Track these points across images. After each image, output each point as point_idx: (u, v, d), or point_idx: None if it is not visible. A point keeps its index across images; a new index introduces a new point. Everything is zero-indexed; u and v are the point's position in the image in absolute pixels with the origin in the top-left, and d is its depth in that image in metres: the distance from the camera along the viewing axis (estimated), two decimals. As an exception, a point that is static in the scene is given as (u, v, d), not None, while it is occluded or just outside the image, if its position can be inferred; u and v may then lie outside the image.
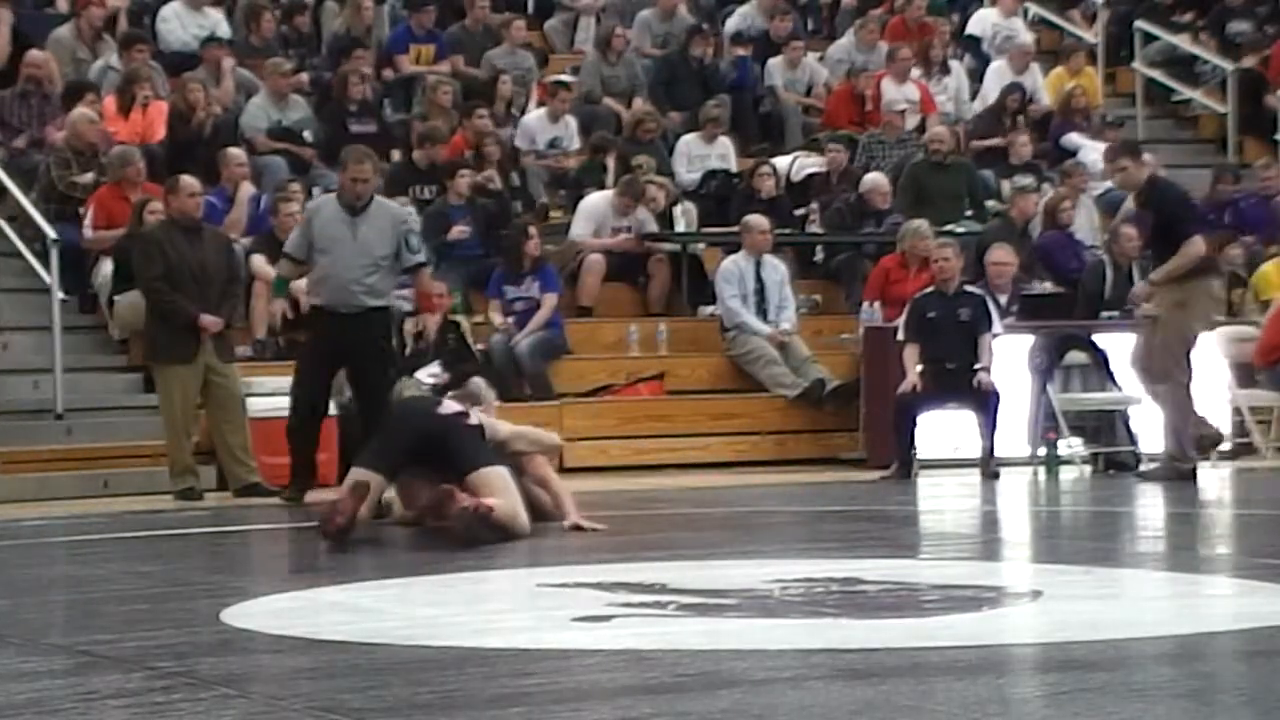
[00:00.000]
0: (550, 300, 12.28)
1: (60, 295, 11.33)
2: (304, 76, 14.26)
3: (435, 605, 6.27)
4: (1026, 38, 16.68)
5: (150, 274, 10.43)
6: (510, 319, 12.19)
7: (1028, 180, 14.21)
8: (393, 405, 8.30)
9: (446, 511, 7.57)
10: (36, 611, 6.25)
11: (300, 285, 9.97)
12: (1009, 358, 11.47)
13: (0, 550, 8.47)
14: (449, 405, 8.12)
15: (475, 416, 8.14)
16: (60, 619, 6.13)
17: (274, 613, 5.90)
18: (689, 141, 14.53)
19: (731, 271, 12.62)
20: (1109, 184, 14.43)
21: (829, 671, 4.69)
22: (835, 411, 12.25)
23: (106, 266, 11.53)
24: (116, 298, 11.35)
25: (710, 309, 12.93)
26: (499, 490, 7.83)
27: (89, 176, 12.17)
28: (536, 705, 4.32)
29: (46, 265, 11.49)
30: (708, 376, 12.66)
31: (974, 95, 16.04)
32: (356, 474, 7.99)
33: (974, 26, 16.96)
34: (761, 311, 12.56)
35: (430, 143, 13.25)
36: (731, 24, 16.31)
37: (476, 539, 7.48)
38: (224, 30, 14.35)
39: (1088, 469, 11.42)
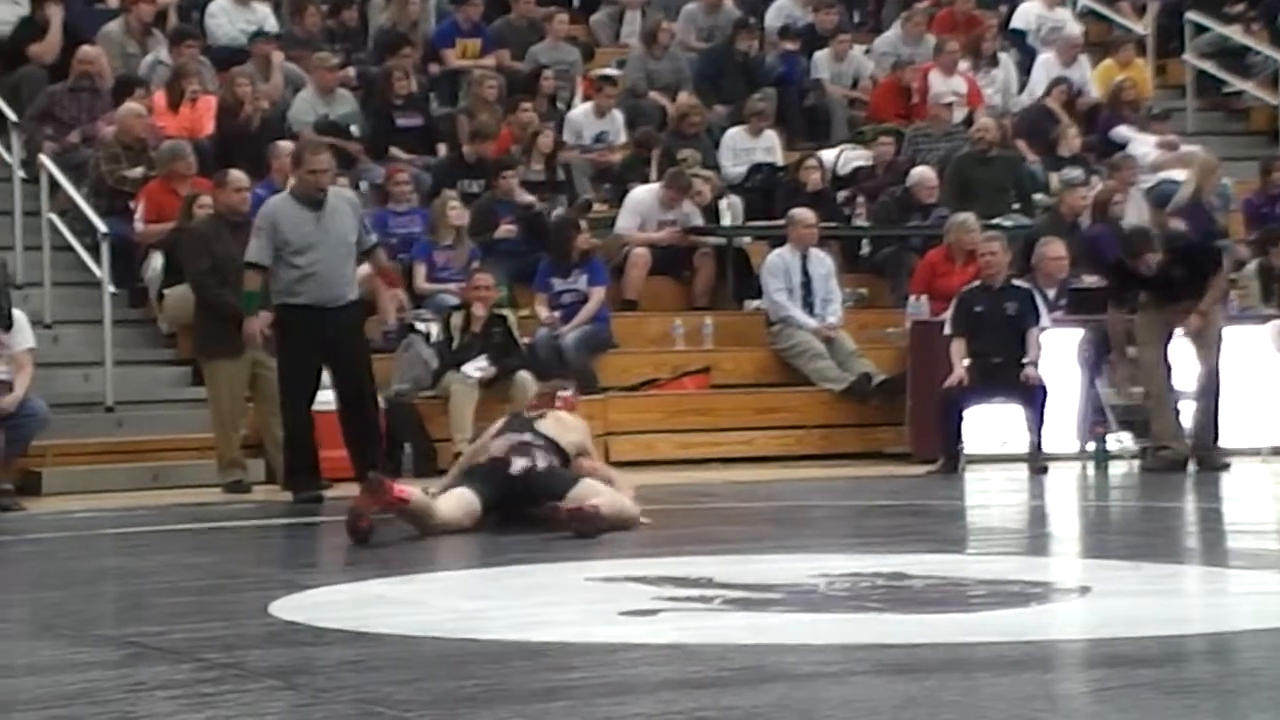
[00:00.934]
0: (597, 294, 12.29)
1: (110, 289, 11.41)
2: (350, 71, 14.30)
3: (481, 598, 6.29)
4: (1074, 29, 16.58)
5: (198, 269, 10.49)
6: (556, 313, 12.20)
7: (1076, 173, 14.13)
8: (471, 472, 8.17)
9: (556, 520, 7.67)
10: (87, 603, 6.30)
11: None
12: (1056, 352, 11.42)
13: (51, 542, 8.54)
14: (518, 465, 8.13)
15: (542, 461, 8.12)
16: (110, 610, 6.18)
17: (321, 605, 5.93)
18: (734, 135, 14.51)
19: (777, 265, 12.60)
20: (1159, 177, 14.34)
21: (874, 666, 4.68)
22: (881, 406, 12.22)
23: (156, 260, 11.60)
24: (166, 291, 11.42)
25: (756, 303, 12.92)
26: (598, 492, 7.95)
27: (138, 171, 12.24)
28: (581, 699, 4.33)
29: (97, 259, 11.57)
30: (753, 370, 12.64)
31: (1021, 88, 15.96)
32: (460, 492, 7.96)
33: (1018, 20, 16.87)
34: (807, 305, 12.54)
35: (481, 138, 13.26)
36: (777, 17, 16.27)
37: (589, 535, 7.58)
38: (271, 25, 14.41)
39: (1136, 464, 11.36)
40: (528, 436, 8.18)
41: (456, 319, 11.48)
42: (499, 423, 8.57)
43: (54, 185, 11.97)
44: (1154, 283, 11.08)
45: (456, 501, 7.94)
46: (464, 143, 13.46)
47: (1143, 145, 14.79)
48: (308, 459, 9.67)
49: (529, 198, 13.00)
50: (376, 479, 7.78)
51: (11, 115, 12.43)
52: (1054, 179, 14.38)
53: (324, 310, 9.48)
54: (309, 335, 9.51)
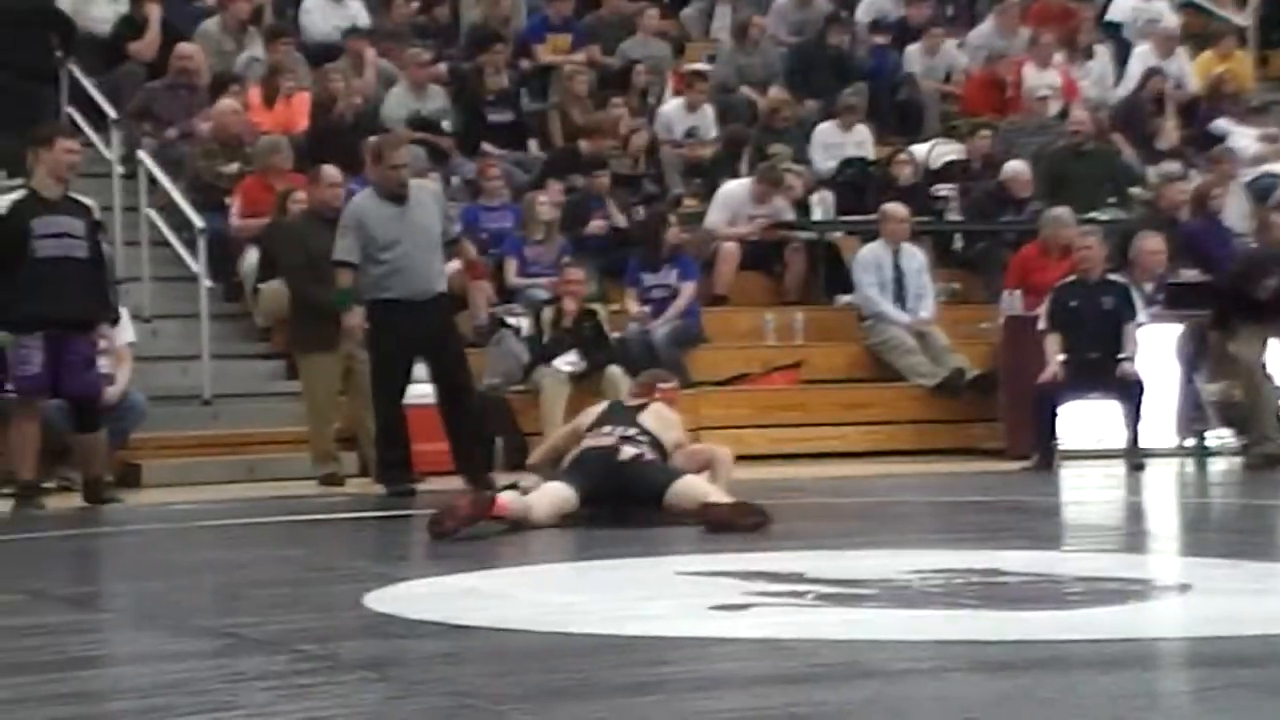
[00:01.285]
0: (688, 289, 12.28)
1: (207, 283, 11.53)
2: (442, 66, 14.38)
3: (572, 592, 6.30)
4: (1171, 21, 16.39)
5: (293, 263, 10.58)
6: (646, 307, 12.21)
7: (1174, 167, 13.97)
8: (578, 456, 8.10)
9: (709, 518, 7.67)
10: (185, 594, 6.36)
11: None
12: (1154, 347, 11.30)
13: (150, 534, 8.64)
14: (626, 451, 8.13)
15: (649, 453, 8.12)
16: (208, 601, 6.23)
17: (414, 598, 5.96)
18: (825, 130, 14.46)
19: (869, 260, 12.54)
20: (1260, 170, 14.14)
21: (968, 663, 4.64)
22: (974, 401, 12.14)
23: (252, 255, 11.71)
24: (260, 286, 11.52)
25: (847, 298, 12.86)
26: (704, 488, 7.94)
27: (234, 167, 12.36)
28: (673, 693, 4.32)
29: (194, 254, 11.69)
30: (844, 365, 12.59)
31: (1117, 81, 15.80)
32: (556, 486, 7.95)
33: (1114, 12, 16.70)
34: (899, 300, 12.47)
35: (589, 135, 13.29)
36: (868, 11, 16.20)
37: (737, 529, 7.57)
38: (364, 20, 14.52)
39: (1237, 460, 11.21)
40: (633, 431, 8.17)
41: (547, 314, 11.50)
42: (596, 410, 8.52)
43: (152, 181, 12.11)
44: (1269, 306, 10.88)
45: (550, 499, 7.93)
46: (556, 139, 13.49)
47: (1243, 138, 14.60)
48: (400, 453, 9.71)
49: (621, 190, 13.04)
50: (489, 497, 7.74)
51: (111, 112, 12.58)
52: (1151, 173, 14.23)
53: (413, 304, 9.51)
54: (399, 329, 9.54)
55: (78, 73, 12.91)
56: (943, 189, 13.89)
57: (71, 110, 12.81)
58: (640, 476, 7.98)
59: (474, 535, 7.58)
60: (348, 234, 9.64)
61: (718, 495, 7.95)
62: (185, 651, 5.01)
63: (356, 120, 13.10)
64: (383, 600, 5.82)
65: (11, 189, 9.47)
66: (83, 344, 9.22)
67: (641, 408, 8.38)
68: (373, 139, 12.54)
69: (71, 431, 9.41)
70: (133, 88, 13.24)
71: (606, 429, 8.20)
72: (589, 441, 8.17)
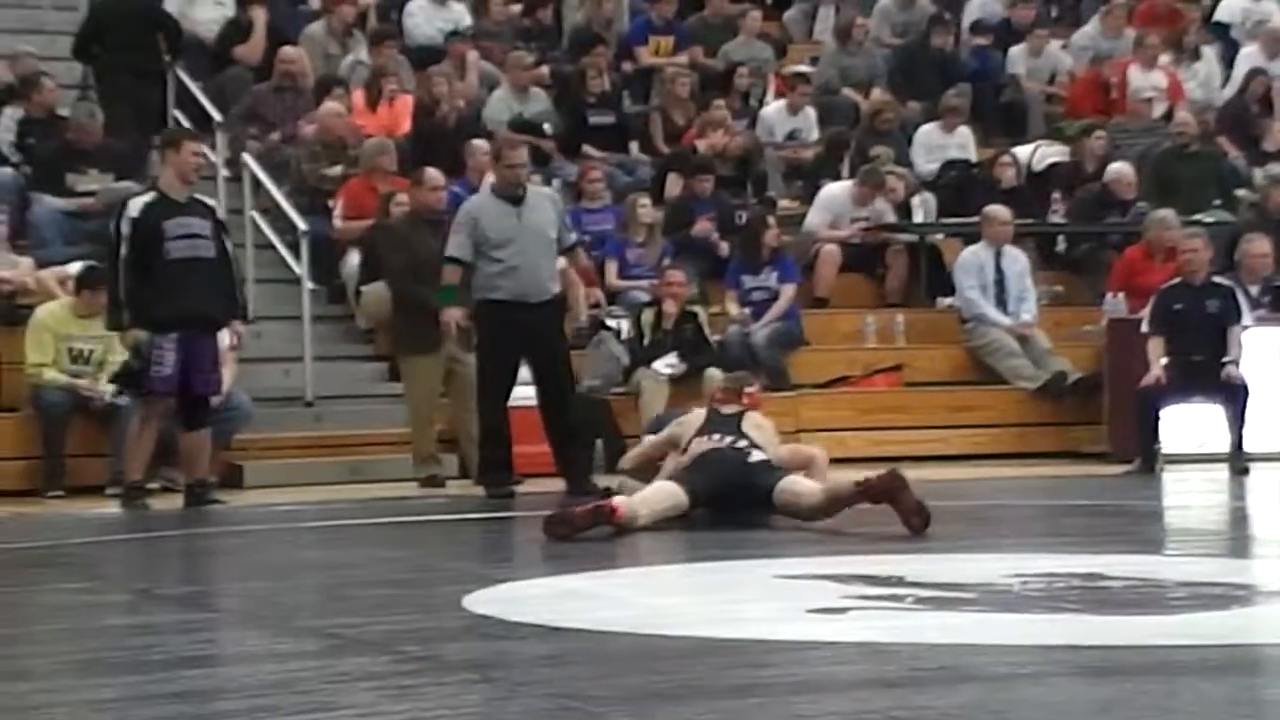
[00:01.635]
0: (788, 291, 12.26)
1: (310, 286, 11.64)
2: (545, 69, 14.43)
3: (672, 594, 6.31)
4: (1279, 19, 16.17)
5: (395, 266, 10.65)
6: (747, 309, 12.20)
7: (1280, 169, 13.79)
8: (704, 455, 8.08)
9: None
10: (288, 594, 6.43)
11: None
12: (1260, 350, 11.15)
13: (254, 534, 8.74)
14: (756, 455, 8.16)
15: (759, 454, 8.16)
16: (311, 602, 6.29)
17: (514, 599, 5.99)
18: (928, 131, 14.39)
19: (971, 262, 12.47)
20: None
21: (1071, 668, 4.61)
22: (1077, 404, 12.04)
23: (354, 258, 11.81)
24: (363, 288, 11.61)
25: (949, 300, 12.79)
26: (810, 484, 8.01)
27: (337, 169, 12.48)
28: (774, 696, 4.32)
29: (297, 256, 11.81)
30: (946, 368, 12.53)
31: (1225, 82, 15.60)
32: (668, 488, 7.95)
33: (1223, 12, 16.49)
34: (1001, 303, 12.39)
35: (708, 131, 13.31)
36: (972, 12, 16.10)
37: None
38: (467, 23, 14.60)
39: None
40: (743, 444, 8.17)
41: (648, 315, 11.52)
42: (694, 419, 8.49)
43: (256, 184, 12.25)
44: None
45: (661, 501, 7.92)
46: (658, 141, 13.51)
47: (1352, 138, 14.37)
48: (502, 454, 9.74)
49: (722, 192, 13.04)
50: (609, 505, 7.75)
51: (217, 115, 12.74)
52: (1258, 174, 14.04)
53: (525, 304, 9.53)
54: (508, 330, 9.56)
55: (184, 76, 13.09)
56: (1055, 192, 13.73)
57: (178, 113, 13.00)
58: (763, 478, 8.02)
59: (578, 537, 7.61)
60: (461, 231, 9.66)
61: (824, 487, 7.97)
62: (289, 652, 5.07)
63: (459, 123, 13.18)
64: (484, 602, 5.85)
65: (140, 192, 9.62)
66: (210, 344, 9.38)
67: (739, 416, 8.36)
68: (478, 141, 12.70)
69: (180, 430, 9.52)
70: (238, 91, 13.39)
71: (716, 436, 8.20)
72: (707, 445, 8.15)
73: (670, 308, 11.45)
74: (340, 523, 8.84)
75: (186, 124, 12.66)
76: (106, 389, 10.23)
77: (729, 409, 8.40)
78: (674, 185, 12.74)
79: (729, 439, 8.15)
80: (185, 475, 9.61)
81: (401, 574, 6.96)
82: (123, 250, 9.15)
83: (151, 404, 9.33)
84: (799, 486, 8.00)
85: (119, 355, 10.41)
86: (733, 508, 7.93)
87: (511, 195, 9.64)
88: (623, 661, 4.80)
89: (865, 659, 4.82)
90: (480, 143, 12.74)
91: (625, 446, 11.01)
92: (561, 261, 10.09)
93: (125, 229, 9.17)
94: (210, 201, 9.75)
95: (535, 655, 4.98)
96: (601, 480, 9.54)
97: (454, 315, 9.79)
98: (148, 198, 9.33)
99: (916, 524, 7.57)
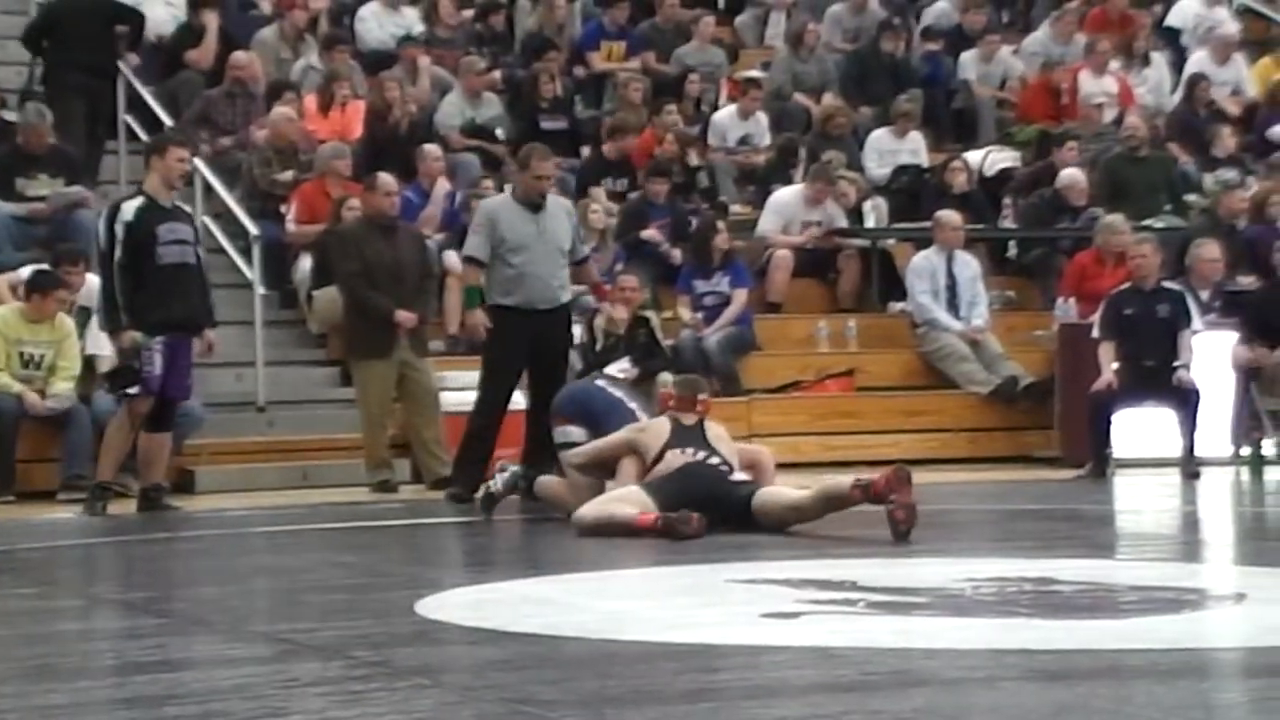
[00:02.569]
0: (740, 295, 12.28)
1: (261, 290, 11.59)
2: (497, 74, 14.42)
3: (625, 599, 6.30)
4: (1230, 28, 16.28)
5: (347, 270, 10.63)
6: (699, 314, 12.21)
7: (1231, 174, 13.88)
8: (684, 470, 8.06)
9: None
10: (240, 599, 6.40)
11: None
12: (1210, 355, 11.22)
13: (206, 539, 8.70)
14: (739, 476, 8.17)
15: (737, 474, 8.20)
16: (263, 607, 6.27)
17: (467, 604, 5.98)
18: (879, 136, 14.44)
19: (923, 267, 12.51)
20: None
21: (1023, 672, 4.63)
22: (1029, 409, 12.10)
23: (305, 262, 11.78)
24: (315, 293, 11.58)
25: (901, 305, 12.84)
26: (788, 492, 8.04)
27: (289, 174, 12.44)
28: (726, 700, 4.32)
29: (249, 261, 11.76)
30: (898, 373, 12.57)
31: (1174, 88, 15.71)
32: (631, 493, 7.97)
33: (1174, 18, 16.60)
34: (953, 308, 12.44)
35: (620, 134, 13.31)
36: (925, 18, 16.16)
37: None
38: (419, 29, 14.57)
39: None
40: (716, 460, 8.15)
41: (600, 320, 11.51)
42: (660, 428, 8.34)
43: (208, 188, 12.20)
44: None
45: (630, 506, 7.95)
46: (605, 140, 13.51)
47: (1302, 145, 14.49)
48: (482, 456, 9.57)
49: (677, 198, 13.04)
50: (689, 518, 7.76)
51: (168, 120, 12.67)
52: (1208, 180, 14.14)
53: (535, 311, 9.46)
54: (516, 336, 9.45)
55: (134, 79, 13.01)
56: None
57: (129, 118, 12.92)
58: (742, 491, 8.05)
59: (528, 543, 7.60)
60: (481, 231, 9.59)
61: (817, 491, 8.01)
62: (241, 657, 5.05)
63: (411, 129, 13.15)
64: (436, 607, 5.84)
65: (129, 196, 9.62)
66: (190, 347, 9.38)
67: (700, 426, 8.35)
68: (430, 146, 12.67)
69: (142, 431, 9.49)
70: (190, 95, 13.33)
71: (690, 450, 8.19)
72: (683, 459, 8.12)
73: (621, 313, 11.44)
74: (292, 528, 8.81)
75: (138, 128, 12.60)
76: (61, 388, 10.25)
77: (689, 419, 8.36)
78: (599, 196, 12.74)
79: (702, 454, 8.16)
80: (141, 478, 9.56)
81: (354, 579, 6.94)
82: (117, 253, 9.16)
83: (137, 406, 9.31)
84: (782, 496, 8.01)
85: (71, 361, 10.38)
86: (710, 521, 7.92)
87: (531, 203, 9.59)
88: (576, 666, 4.80)
89: (818, 663, 4.83)
90: (432, 148, 12.73)
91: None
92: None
93: (119, 232, 9.18)
94: (188, 208, 9.78)
95: (488, 660, 4.97)
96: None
97: (476, 319, 9.65)
98: (139, 201, 9.33)
99: (904, 520, 7.55)
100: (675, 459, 8.12)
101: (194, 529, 9.00)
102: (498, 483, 8.95)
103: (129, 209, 9.25)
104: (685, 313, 12.23)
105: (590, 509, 8.01)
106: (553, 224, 9.59)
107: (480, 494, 9.00)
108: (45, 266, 10.60)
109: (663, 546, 7.52)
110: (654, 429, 8.39)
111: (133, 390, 9.26)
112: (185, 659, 5.21)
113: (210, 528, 9.03)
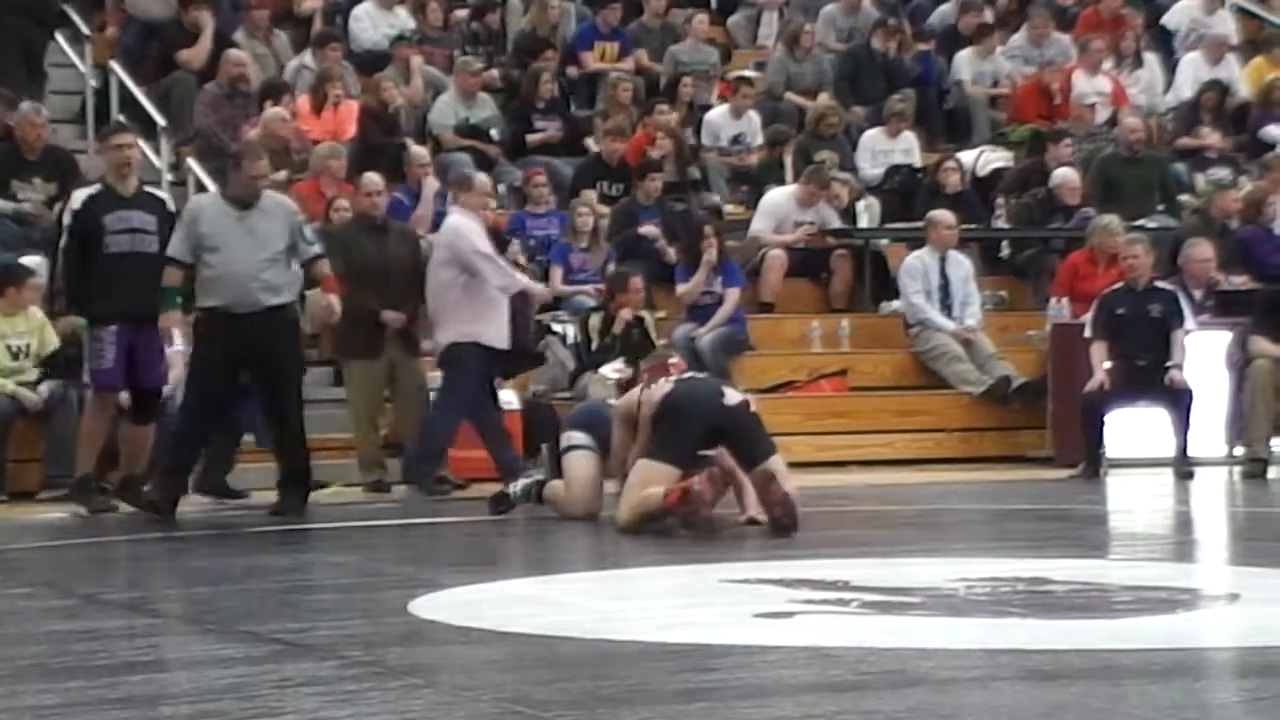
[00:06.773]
0: (733, 295, 12.27)
1: (254, 290, 11.53)
2: (495, 73, 14.40)
3: (619, 599, 6.30)
4: (1224, 28, 16.29)
5: (336, 270, 10.59)
6: (684, 315, 12.19)
7: (1224, 174, 13.89)
8: (676, 394, 8.07)
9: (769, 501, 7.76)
10: (233, 599, 6.40)
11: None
12: (1203, 355, 11.23)
13: (197, 540, 8.69)
14: (732, 395, 8.17)
15: (753, 403, 8.23)
16: (256, 607, 6.26)
17: (460, 604, 5.97)
18: (872, 136, 14.44)
19: (915, 267, 12.51)
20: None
21: (1017, 672, 4.63)
22: (1022, 409, 12.10)
23: (297, 263, 11.73)
24: (306, 293, 11.54)
25: (893, 305, 12.84)
26: (787, 476, 8.02)
27: (282, 174, 12.41)
28: (720, 700, 4.32)
29: (241, 261, 11.71)
30: (891, 373, 12.57)
31: (1167, 88, 15.72)
32: (647, 467, 7.96)
33: (1169, 19, 16.61)
34: (946, 308, 12.44)
35: (614, 137, 13.30)
36: (920, 18, 16.16)
37: (786, 527, 7.70)
38: (412, 28, 14.55)
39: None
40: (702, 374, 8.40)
41: (595, 321, 11.50)
42: (629, 395, 8.48)
43: (201, 188, 12.17)
44: None
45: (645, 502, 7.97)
46: (598, 143, 13.50)
47: (1294, 144, 14.50)
48: (185, 465, 9.35)
49: (669, 198, 13.03)
50: (703, 496, 7.80)
51: (160, 120, 12.65)
52: (1200, 180, 14.15)
53: (232, 314, 9.04)
54: (219, 339, 9.07)
55: (126, 79, 12.99)
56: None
57: (121, 118, 12.90)
58: (747, 430, 8.13)
59: (521, 543, 7.60)
60: (181, 231, 9.18)
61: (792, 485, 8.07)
62: (234, 657, 5.04)
63: (405, 128, 13.13)
64: (429, 607, 5.84)
65: (90, 184, 9.66)
66: (155, 337, 9.31)
67: None
68: (417, 148, 12.64)
69: (127, 424, 9.46)
70: (183, 95, 13.30)
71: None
72: (669, 386, 8.17)
73: (626, 315, 11.35)
74: (285, 528, 8.80)
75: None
76: (51, 380, 10.28)
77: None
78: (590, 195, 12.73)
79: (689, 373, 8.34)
80: (124, 467, 9.52)
81: (347, 579, 6.94)
82: (63, 240, 9.26)
83: (97, 398, 9.28)
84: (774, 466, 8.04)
85: (52, 344, 10.42)
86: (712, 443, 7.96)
87: (242, 201, 9.23)
88: (569, 666, 4.79)
89: (812, 663, 4.83)
90: (420, 149, 12.70)
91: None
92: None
93: (67, 220, 9.28)
94: (161, 194, 9.76)
95: (481, 660, 4.97)
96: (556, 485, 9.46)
97: (172, 321, 9.16)
98: (92, 190, 9.41)
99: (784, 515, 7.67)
100: (663, 385, 8.17)
101: (188, 529, 8.98)
102: (517, 489, 8.94)
103: (78, 198, 9.35)
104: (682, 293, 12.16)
105: (625, 509, 8.01)
106: (263, 224, 9.20)
107: (509, 491, 8.94)
108: (19, 260, 10.71)
109: (658, 546, 7.52)
110: (628, 396, 8.49)
111: (86, 380, 9.24)
112: (178, 659, 5.20)
113: (202, 527, 9.02)
